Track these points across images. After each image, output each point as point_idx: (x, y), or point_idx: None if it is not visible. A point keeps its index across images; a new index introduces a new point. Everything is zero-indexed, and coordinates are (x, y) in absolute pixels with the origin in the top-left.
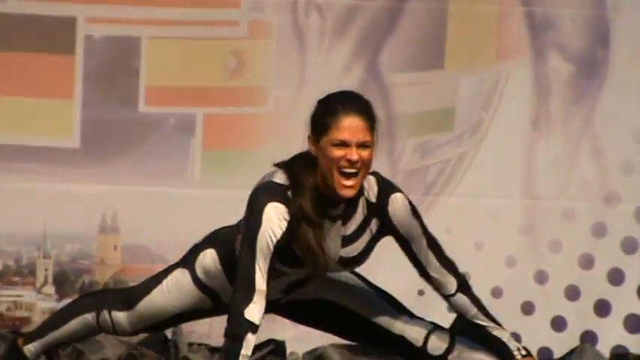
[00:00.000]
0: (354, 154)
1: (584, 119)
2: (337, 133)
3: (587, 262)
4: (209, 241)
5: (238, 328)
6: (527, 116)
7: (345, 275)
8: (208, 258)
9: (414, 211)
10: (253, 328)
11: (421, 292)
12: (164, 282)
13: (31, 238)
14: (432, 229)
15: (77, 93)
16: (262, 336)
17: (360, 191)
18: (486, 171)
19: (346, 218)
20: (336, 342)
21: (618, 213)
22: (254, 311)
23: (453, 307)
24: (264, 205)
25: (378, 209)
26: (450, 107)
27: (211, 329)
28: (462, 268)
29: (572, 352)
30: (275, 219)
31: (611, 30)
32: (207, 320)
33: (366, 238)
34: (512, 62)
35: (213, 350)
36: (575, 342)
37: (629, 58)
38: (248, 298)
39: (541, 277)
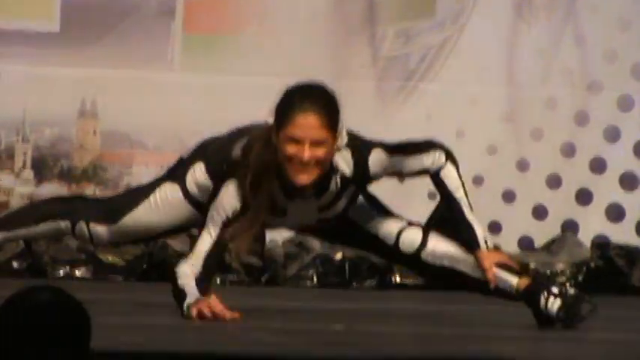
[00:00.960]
0: (305, 153)
1: (567, 6)
2: (291, 129)
3: (569, 151)
4: (198, 154)
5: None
6: (510, 2)
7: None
8: (198, 172)
9: (393, 152)
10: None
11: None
12: (152, 197)
13: (10, 123)
14: (412, 115)
15: None
16: None
17: (330, 171)
18: (468, 58)
19: (319, 194)
20: None
21: (601, 101)
22: (188, 264)
23: (437, 184)
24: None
25: (356, 179)
26: None
27: None
28: None
29: (553, 241)
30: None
31: None
32: None
33: (343, 202)
34: None
35: (191, 236)
36: (556, 230)
37: None
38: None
39: (522, 166)
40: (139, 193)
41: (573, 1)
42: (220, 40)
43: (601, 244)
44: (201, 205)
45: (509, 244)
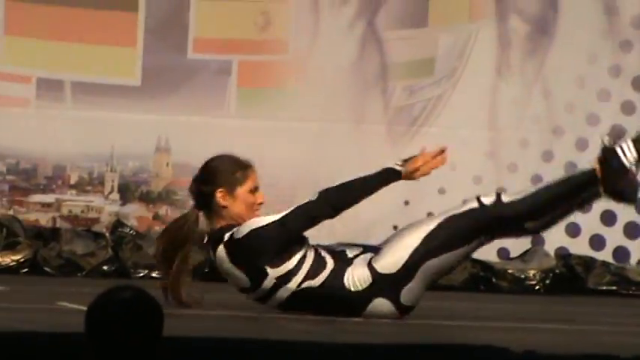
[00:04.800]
0: (261, 196)
1: (537, 68)
2: (251, 183)
3: (537, 181)
4: None
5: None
6: (493, 65)
7: None
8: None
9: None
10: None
11: (407, 202)
12: None
13: (102, 157)
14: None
15: (139, 42)
16: None
17: None
18: (459, 108)
19: None
20: (342, 241)
21: (563, 143)
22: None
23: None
24: None
25: None
26: (431, 57)
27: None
28: (437, 183)
29: (525, 252)
30: None
31: None
32: None
33: None
34: (481, 22)
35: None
36: (528, 244)
37: (574, 20)
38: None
39: None
40: None
41: (541, 64)
42: (265, 92)
43: (563, 254)
44: None
45: (489, 253)
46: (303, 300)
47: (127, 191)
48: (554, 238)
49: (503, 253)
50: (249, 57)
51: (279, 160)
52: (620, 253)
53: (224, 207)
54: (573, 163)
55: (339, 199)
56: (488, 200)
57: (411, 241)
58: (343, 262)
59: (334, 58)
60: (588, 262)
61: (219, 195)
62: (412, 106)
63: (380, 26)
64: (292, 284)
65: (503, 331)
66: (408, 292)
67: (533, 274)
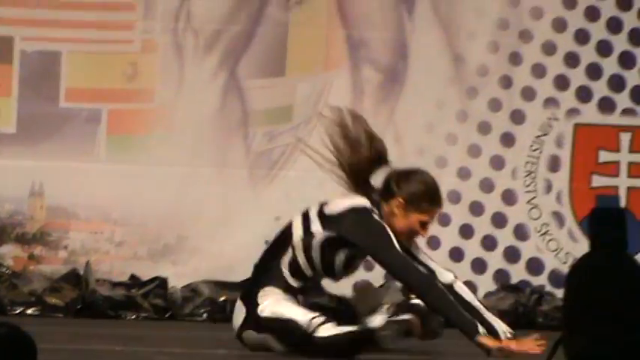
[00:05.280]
0: (426, 234)
1: (388, 114)
2: (427, 217)
3: None
4: (256, 283)
5: (430, 280)
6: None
7: None
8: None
9: None
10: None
11: (267, 242)
12: None
13: None
14: (276, 195)
15: (14, 92)
16: (148, 274)
17: None
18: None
19: None
20: (205, 279)
21: None
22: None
23: (455, 295)
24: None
25: None
26: (289, 104)
27: (112, 268)
28: None
29: (380, 287)
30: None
31: (409, 48)
32: (108, 261)
33: None
34: (336, 71)
35: (114, 285)
36: (380, 279)
37: (421, 70)
38: (416, 269)
39: None
40: None
41: (393, 110)
42: (135, 138)
43: (517, 289)
44: None
45: (346, 288)
46: None
47: (3, 233)
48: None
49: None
50: (118, 105)
51: (146, 202)
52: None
53: (393, 213)
54: None
55: (433, 300)
56: None
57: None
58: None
59: (198, 105)
60: (540, 297)
61: (398, 200)
62: (272, 151)
63: (241, 75)
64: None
65: None
66: None
67: (387, 307)
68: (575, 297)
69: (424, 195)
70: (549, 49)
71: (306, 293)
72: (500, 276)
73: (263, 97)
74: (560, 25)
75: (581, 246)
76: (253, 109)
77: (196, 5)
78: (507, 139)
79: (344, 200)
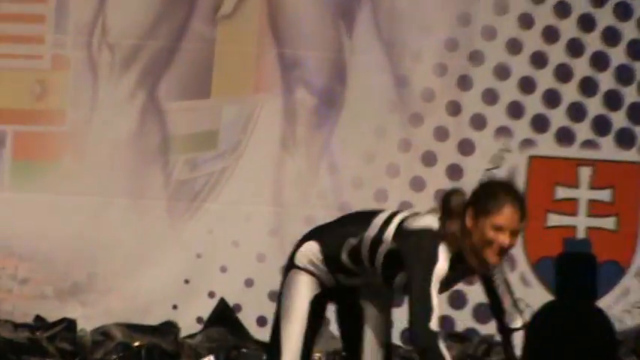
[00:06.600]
0: (506, 240)
1: (323, 141)
2: (498, 219)
3: None
4: (313, 235)
5: (430, 339)
6: (278, 138)
7: (387, 299)
8: (309, 248)
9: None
10: (440, 336)
11: (187, 281)
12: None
13: None
14: (197, 229)
15: None
16: (55, 315)
17: None
18: (243, 182)
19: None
20: (118, 322)
21: None
22: (435, 323)
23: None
24: (438, 245)
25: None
26: (215, 129)
27: (15, 307)
28: (220, 263)
29: None
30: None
31: (347, 70)
32: (11, 301)
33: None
34: (266, 94)
35: (17, 326)
36: None
37: (361, 94)
38: (429, 315)
39: None
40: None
41: (329, 136)
42: (43, 164)
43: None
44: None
45: None
46: None
47: None
48: None
49: None
50: (25, 128)
51: (54, 235)
52: None
53: (468, 232)
54: None
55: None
56: None
57: None
58: None
59: (113, 129)
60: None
61: (468, 213)
62: (194, 181)
63: (161, 96)
64: None
65: None
66: None
67: (319, 357)
68: (538, 353)
69: (487, 193)
70: (502, 72)
71: (352, 277)
72: (445, 323)
73: (185, 121)
74: (515, 47)
75: (535, 291)
76: (174, 134)
77: (113, 17)
78: (454, 172)
79: (425, 218)
